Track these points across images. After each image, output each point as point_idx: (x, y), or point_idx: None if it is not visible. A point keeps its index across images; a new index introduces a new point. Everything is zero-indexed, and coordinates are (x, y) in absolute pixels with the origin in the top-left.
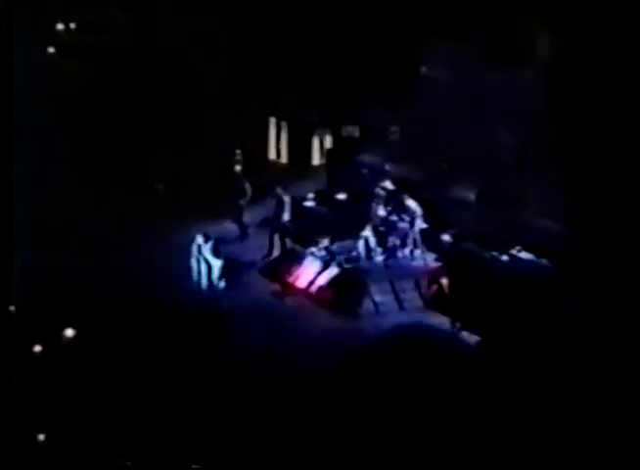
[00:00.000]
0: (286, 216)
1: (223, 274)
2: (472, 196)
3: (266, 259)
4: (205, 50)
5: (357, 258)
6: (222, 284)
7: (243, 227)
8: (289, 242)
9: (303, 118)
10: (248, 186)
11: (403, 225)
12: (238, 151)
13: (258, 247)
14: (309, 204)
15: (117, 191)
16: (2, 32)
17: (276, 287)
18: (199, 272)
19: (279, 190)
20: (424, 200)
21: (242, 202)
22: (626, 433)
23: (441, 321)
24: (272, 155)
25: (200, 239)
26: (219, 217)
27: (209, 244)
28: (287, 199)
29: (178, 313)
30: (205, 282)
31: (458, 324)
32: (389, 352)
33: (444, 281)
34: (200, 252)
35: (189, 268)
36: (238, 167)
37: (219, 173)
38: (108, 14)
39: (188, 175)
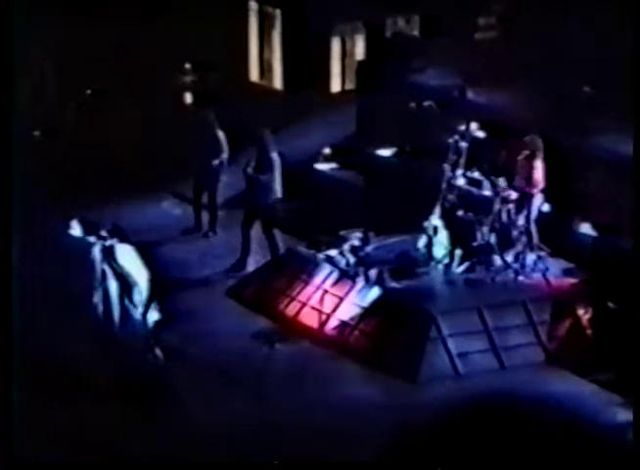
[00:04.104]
0: (275, 190)
1: (153, 297)
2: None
3: (241, 272)
4: None
5: (414, 269)
6: (154, 317)
7: (214, 212)
8: (282, 238)
9: (313, 5)
10: (220, 133)
11: (503, 206)
12: (187, 64)
13: (224, 247)
14: (323, 166)
15: None
16: None
17: (263, 323)
18: (105, 296)
19: (266, 136)
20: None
21: (215, 162)
22: None
23: (574, 386)
24: (255, 73)
25: (104, 234)
26: (149, 192)
27: (126, 244)
28: (275, 157)
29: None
30: (117, 314)
31: None
32: (476, 442)
33: (583, 312)
34: (106, 258)
35: (90, 288)
36: (189, 97)
37: (156, 105)
38: None
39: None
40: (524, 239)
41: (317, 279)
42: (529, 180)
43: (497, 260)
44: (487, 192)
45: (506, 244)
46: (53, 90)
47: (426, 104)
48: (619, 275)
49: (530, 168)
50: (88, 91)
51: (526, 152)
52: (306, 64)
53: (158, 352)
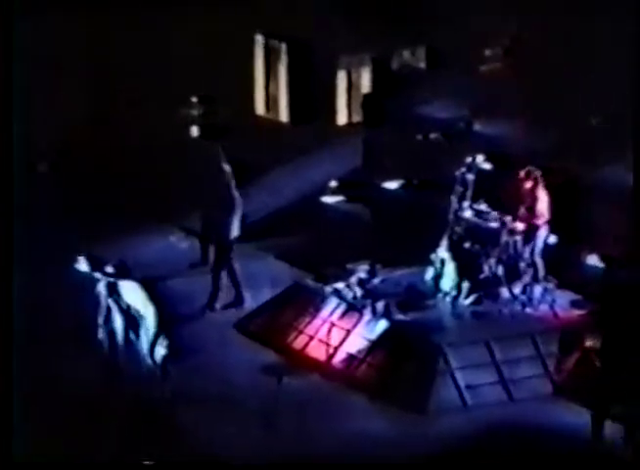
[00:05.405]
0: (234, 229)
1: (160, 332)
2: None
3: (244, 307)
4: None
5: (422, 302)
6: (161, 352)
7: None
8: (294, 271)
9: (319, 39)
10: (226, 166)
11: (510, 238)
12: (194, 98)
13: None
14: (329, 199)
15: None
16: None
17: (270, 356)
18: (110, 331)
19: (227, 173)
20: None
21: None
22: None
23: (582, 418)
24: (260, 107)
25: (110, 270)
26: (156, 226)
27: (130, 281)
28: (237, 195)
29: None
30: (122, 350)
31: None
32: None
33: (591, 343)
34: (112, 293)
35: (95, 325)
36: (195, 130)
37: (162, 139)
38: None
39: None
40: (531, 271)
41: (324, 312)
42: (533, 212)
43: (505, 293)
44: (494, 224)
45: (513, 276)
46: (58, 122)
47: (432, 136)
48: (628, 307)
49: (534, 200)
50: (93, 124)
51: (528, 184)
52: (312, 97)
53: (165, 386)
